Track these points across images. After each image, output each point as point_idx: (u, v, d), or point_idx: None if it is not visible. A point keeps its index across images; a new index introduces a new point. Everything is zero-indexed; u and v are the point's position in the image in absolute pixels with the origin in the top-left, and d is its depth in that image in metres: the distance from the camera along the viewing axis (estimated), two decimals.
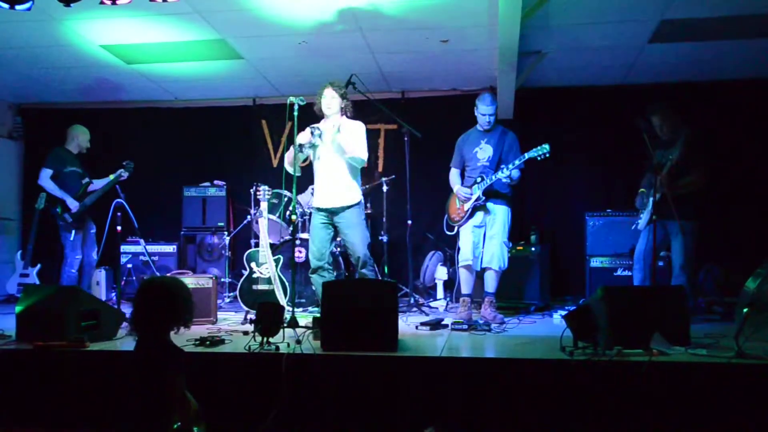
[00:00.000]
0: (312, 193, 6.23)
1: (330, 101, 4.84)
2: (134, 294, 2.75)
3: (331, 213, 4.85)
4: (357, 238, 4.80)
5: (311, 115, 5.01)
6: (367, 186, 6.36)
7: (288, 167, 4.96)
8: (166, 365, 2.62)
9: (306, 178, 6.19)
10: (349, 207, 4.81)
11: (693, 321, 3.94)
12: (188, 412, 2.67)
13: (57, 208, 6.00)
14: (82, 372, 3.75)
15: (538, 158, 4.81)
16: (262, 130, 7.51)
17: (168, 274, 5.36)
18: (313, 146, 4.84)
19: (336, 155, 4.82)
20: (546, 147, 4.77)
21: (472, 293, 5.14)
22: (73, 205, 5.95)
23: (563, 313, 4.48)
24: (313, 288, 5.02)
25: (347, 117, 4.92)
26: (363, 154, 4.82)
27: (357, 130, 4.85)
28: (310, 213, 6.19)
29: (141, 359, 2.66)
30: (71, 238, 5.99)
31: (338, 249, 5.95)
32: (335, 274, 5.16)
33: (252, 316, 4.46)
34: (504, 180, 4.92)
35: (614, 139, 6.61)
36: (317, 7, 4.94)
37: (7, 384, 3.80)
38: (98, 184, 6.08)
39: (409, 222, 5.89)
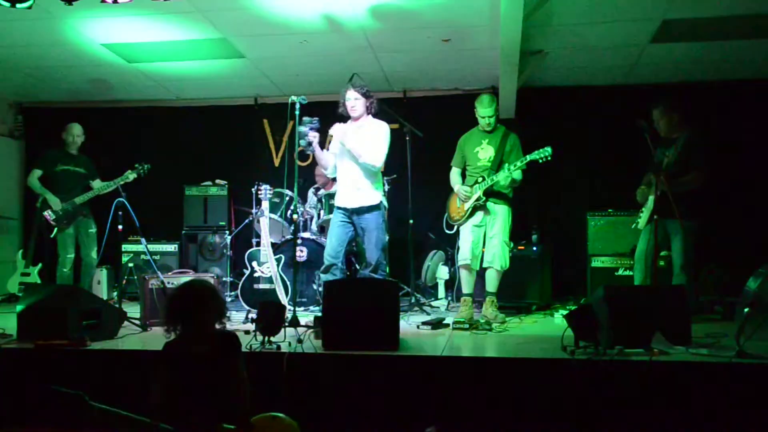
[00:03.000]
0: (314, 193, 6.27)
1: (354, 103, 4.77)
2: (176, 296, 2.83)
3: (351, 212, 4.82)
4: (371, 242, 4.75)
5: (312, 114, 5.00)
6: None
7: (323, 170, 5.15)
8: (232, 352, 2.83)
9: (307, 178, 6.19)
10: (367, 209, 4.77)
11: (694, 320, 3.93)
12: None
13: (40, 207, 5.99)
14: (83, 371, 3.76)
15: (540, 161, 4.80)
16: (264, 130, 7.51)
17: (169, 273, 5.34)
18: (308, 144, 4.79)
19: (352, 158, 4.79)
20: (548, 150, 4.74)
21: (473, 292, 5.14)
22: (54, 202, 5.90)
23: (564, 312, 4.48)
24: (315, 287, 5.00)
25: (372, 115, 4.87)
26: (375, 160, 4.73)
27: (376, 134, 4.77)
28: (311, 213, 6.21)
29: (206, 354, 2.75)
30: (51, 236, 5.98)
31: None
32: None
33: (253, 315, 4.46)
34: (502, 182, 4.90)
35: (616, 138, 6.59)
36: (319, 6, 4.94)
37: (8, 383, 3.80)
38: (101, 184, 6.06)
39: (411, 221, 5.89)
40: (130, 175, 5.86)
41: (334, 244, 4.79)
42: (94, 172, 6.21)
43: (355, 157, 4.73)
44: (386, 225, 5.05)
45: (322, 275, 4.84)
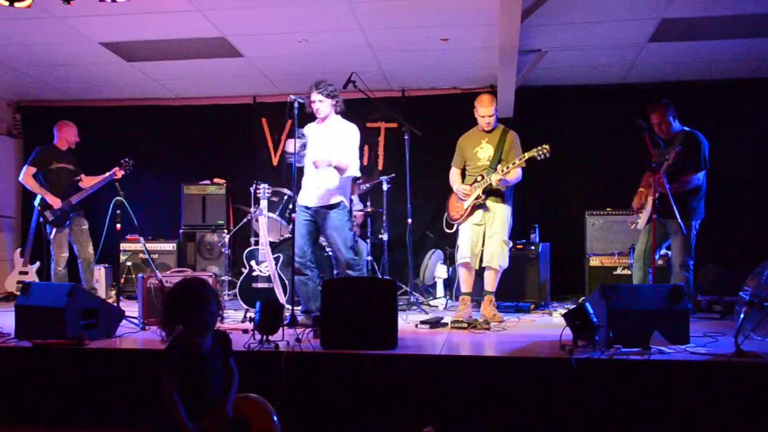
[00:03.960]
0: None
1: (319, 105, 4.75)
2: (174, 294, 2.84)
3: (313, 212, 4.81)
4: (338, 240, 4.73)
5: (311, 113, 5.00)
6: (368, 184, 6.36)
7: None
8: (226, 351, 2.90)
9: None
10: (329, 207, 4.74)
11: (692, 320, 3.94)
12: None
13: (38, 206, 5.96)
14: (81, 370, 3.76)
15: (538, 158, 4.79)
16: (262, 128, 7.51)
17: (167, 272, 5.34)
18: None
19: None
20: (546, 147, 4.75)
21: (472, 292, 5.14)
22: (54, 202, 5.87)
23: (563, 311, 4.48)
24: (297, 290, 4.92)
25: (341, 115, 4.86)
26: (351, 168, 4.72)
27: (346, 142, 4.74)
28: None
29: (202, 352, 2.79)
30: (51, 236, 5.96)
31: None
32: (333, 273, 5.15)
33: (252, 314, 4.46)
34: (494, 184, 4.89)
35: (614, 137, 6.60)
36: (318, 5, 4.94)
37: (7, 382, 3.80)
38: (90, 182, 6.03)
39: (409, 220, 5.89)
40: (117, 172, 5.85)
41: (300, 243, 4.75)
42: (80, 168, 6.19)
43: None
44: (351, 221, 5.03)
45: (296, 277, 4.77)
